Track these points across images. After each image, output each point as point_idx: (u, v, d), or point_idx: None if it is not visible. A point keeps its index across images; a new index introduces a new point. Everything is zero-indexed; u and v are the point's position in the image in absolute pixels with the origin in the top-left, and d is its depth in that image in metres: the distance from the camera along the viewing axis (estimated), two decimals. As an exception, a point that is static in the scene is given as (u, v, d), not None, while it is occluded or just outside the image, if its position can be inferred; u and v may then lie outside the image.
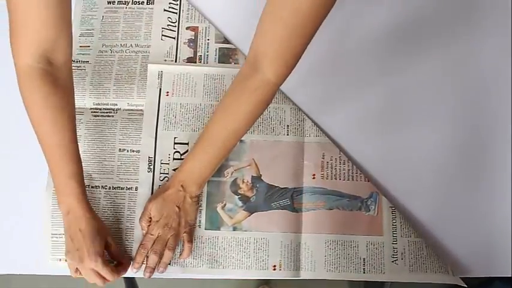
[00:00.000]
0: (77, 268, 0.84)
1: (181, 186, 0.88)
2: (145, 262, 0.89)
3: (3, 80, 0.93)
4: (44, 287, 1.43)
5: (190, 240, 0.91)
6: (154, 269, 0.89)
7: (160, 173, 0.94)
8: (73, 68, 0.93)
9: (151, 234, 0.88)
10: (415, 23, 1.06)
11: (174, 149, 0.95)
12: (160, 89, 0.98)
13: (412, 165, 0.98)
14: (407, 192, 0.97)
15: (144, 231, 0.90)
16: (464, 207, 0.98)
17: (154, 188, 0.93)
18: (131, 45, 1.01)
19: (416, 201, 0.97)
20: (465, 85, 1.03)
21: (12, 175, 0.96)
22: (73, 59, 0.98)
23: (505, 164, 1.00)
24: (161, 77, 0.99)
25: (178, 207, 0.89)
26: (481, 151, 1.00)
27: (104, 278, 0.84)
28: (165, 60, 1.00)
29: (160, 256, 0.88)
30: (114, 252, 0.88)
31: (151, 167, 0.94)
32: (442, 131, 1.01)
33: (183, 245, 0.91)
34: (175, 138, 0.96)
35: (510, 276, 0.95)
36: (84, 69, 1.00)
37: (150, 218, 0.90)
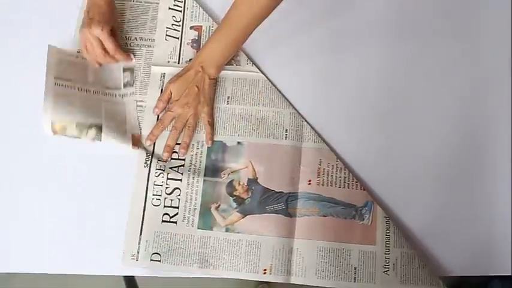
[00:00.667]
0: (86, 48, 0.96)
1: (201, 67, 0.94)
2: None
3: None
4: (44, 287, 1.44)
5: (210, 122, 0.96)
6: (173, 148, 0.95)
7: (156, 169, 0.94)
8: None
9: (171, 111, 0.95)
10: (412, 22, 1.06)
11: (173, 149, 0.96)
12: (162, 90, 0.99)
13: (408, 175, 0.98)
14: (402, 202, 0.96)
15: (158, 110, 0.97)
16: (460, 211, 0.97)
17: (149, 183, 0.94)
18: (135, 39, 1.03)
19: (411, 212, 0.96)
20: (462, 93, 1.03)
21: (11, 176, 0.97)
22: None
23: (500, 172, 0.99)
24: (163, 79, 1.00)
25: (198, 88, 0.94)
26: (476, 160, 1.00)
27: (106, 52, 0.96)
28: (168, 62, 1.01)
29: (179, 133, 0.96)
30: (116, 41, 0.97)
31: (148, 162, 0.95)
32: (440, 140, 1.00)
33: (204, 127, 0.97)
34: None
35: (509, 274, 0.95)
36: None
37: (169, 99, 0.96)
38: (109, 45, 0.94)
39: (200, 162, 0.95)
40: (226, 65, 0.99)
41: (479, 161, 0.99)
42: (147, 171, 0.94)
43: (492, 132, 1.01)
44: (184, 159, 0.95)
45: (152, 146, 0.96)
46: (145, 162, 0.94)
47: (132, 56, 1.00)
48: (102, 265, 0.92)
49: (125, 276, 1.00)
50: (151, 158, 0.95)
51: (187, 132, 0.95)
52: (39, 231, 0.93)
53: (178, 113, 0.95)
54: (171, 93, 0.96)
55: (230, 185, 0.95)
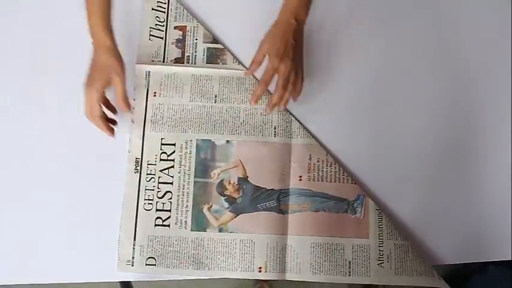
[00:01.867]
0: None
1: (294, 19, 0.87)
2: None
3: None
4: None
5: (301, 75, 0.91)
6: (275, 104, 0.90)
7: (147, 174, 0.94)
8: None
9: (273, 69, 0.87)
10: (402, 19, 1.07)
11: (161, 150, 0.95)
12: (147, 90, 0.97)
13: (398, 167, 0.99)
14: (393, 194, 0.97)
15: (255, 65, 0.90)
16: (452, 197, 0.99)
17: (140, 188, 0.93)
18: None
19: (403, 203, 0.97)
20: (450, 86, 1.04)
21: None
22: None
23: (491, 160, 1.01)
24: (148, 78, 0.98)
25: (294, 40, 0.88)
26: (467, 149, 1.01)
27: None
28: (153, 61, 0.99)
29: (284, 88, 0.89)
30: (117, 94, 0.88)
31: (138, 167, 0.94)
32: (430, 132, 1.01)
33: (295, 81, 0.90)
34: (162, 139, 0.95)
35: (503, 260, 0.97)
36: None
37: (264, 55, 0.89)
38: (93, 109, 0.88)
39: (189, 162, 0.95)
40: (213, 63, 1.00)
41: (469, 150, 1.01)
42: (138, 177, 0.94)
43: (483, 121, 1.02)
44: (173, 160, 0.95)
45: (141, 151, 0.95)
46: (136, 168, 0.94)
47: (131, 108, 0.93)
48: (97, 272, 0.92)
49: (121, 282, 0.99)
50: (141, 163, 0.94)
51: (290, 88, 0.89)
52: (30, 242, 0.93)
53: (279, 69, 0.88)
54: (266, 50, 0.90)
55: (220, 184, 0.95)
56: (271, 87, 0.89)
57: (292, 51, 0.88)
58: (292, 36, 0.88)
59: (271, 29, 0.89)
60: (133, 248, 0.91)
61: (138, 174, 0.94)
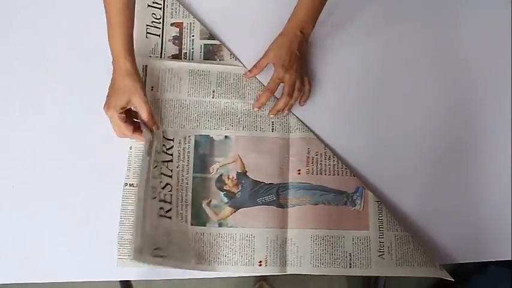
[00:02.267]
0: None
1: (300, 31, 0.93)
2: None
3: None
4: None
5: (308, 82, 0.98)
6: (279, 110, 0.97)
7: (154, 161, 0.91)
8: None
9: (278, 79, 0.94)
10: (401, 15, 1.08)
11: (162, 142, 0.95)
12: (145, 84, 0.97)
13: (397, 158, 0.99)
14: (393, 185, 0.97)
15: (257, 70, 0.97)
16: (451, 197, 0.98)
17: (149, 173, 0.89)
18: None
19: (403, 195, 0.97)
20: (449, 75, 1.05)
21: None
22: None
23: (494, 155, 1.01)
24: (145, 72, 0.98)
25: (299, 51, 0.94)
26: (468, 142, 1.01)
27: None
28: (150, 57, 1.00)
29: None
30: (142, 114, 0.90)
31: (150, 151, 0.91)
32: (427, 123, 1.01)
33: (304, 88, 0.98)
34: (162, 132, 0.95)
35: (503, 260, 0.96)
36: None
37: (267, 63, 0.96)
38: (117, 130, 0.91)
39: (188, 158, 0.95)
40: (210, 59, 1.00)
41: (469, 150, 1.01)
42: (148, 160, 0.89)
43: (483, 121, 1.03)
44: (172, 155, 0.95)
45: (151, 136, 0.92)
46: (148, 151, 0.90)
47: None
48: (97, 271, 0.91)
49: (121, 281, 0.98)
50: (153, 147, 0.91)
51: (296, 95, 0.96)
52: (30, 241, 0.92)
53: (285, 79, 0.94)
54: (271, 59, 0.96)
55: (219, 179, 0.95)
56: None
57: (297, 63, 0.94)
58: (298, 47, 0.93)
59: (277, 38, 0.94)
60: (141, 237, 0.83)
61: (149, 157, 0.90)
